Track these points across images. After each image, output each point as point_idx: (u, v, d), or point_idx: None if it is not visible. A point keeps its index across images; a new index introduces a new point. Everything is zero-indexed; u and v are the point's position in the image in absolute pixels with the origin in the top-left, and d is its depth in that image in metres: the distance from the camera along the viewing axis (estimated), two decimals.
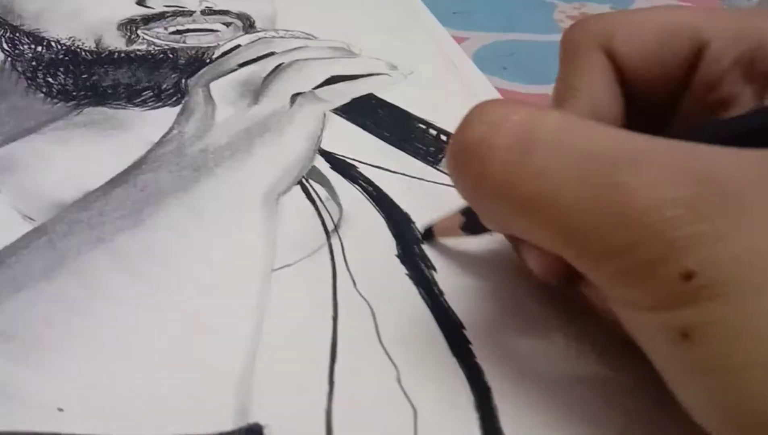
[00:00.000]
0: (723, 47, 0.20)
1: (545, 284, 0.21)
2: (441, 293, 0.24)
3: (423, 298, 0.23)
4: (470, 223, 0.23)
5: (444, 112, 0.33)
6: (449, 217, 0.25)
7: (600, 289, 0.17)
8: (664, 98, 0.22)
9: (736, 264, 0.14)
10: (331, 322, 0.22)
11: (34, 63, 0.32)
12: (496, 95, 0.36)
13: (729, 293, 0.14)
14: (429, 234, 0.26)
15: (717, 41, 0.20)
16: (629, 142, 0.16)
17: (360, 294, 0.23)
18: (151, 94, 0.31)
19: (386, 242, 0.26)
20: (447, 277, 0.24)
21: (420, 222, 0.26)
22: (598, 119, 0.19)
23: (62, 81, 0.31)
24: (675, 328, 0.15)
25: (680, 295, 0.15)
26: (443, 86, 0.35)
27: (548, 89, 0.38)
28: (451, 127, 0.31)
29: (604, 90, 0.21)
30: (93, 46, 0.33)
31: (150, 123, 0.29)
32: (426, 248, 0.25)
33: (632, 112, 0.22)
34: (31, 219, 0.24)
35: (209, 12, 0.37)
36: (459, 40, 0.42)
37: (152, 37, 0.34)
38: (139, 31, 0.34)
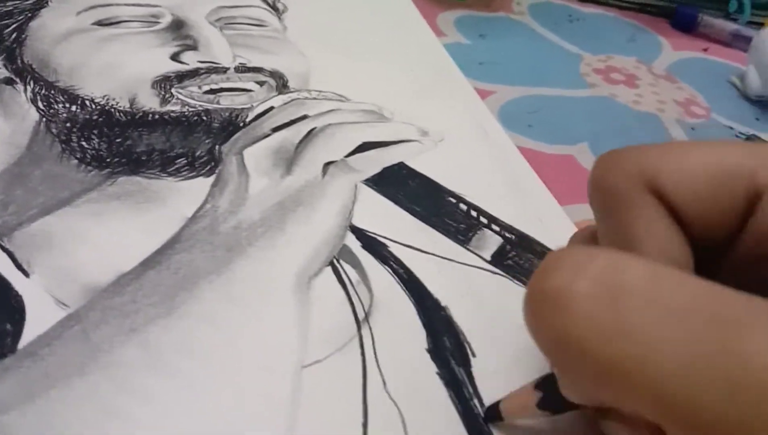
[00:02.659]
0: None
1: None
2: (472, 396, 0.24)
3: (453, 402, 0.23)
4: (549, 398, 0.21)
5: (474, 182, 0.33)
6: (521, 393, 0.22)
7: None
8: (716, 242, 0.20)
9: None
10: (361, 428, 0.22)
11: (68, 124, 0.32)
12: (526, 165, 0.35)
13: None
14: (493, 414, 0.23)
15: None
16: (736, 301, 0.15)
17: (390, 396, 0.23)
18: (185, 162, 0.31)
19: (417, 333, 0.26)
20: (484, 372, 0.24)
21: (450, 307, 0.26)
22: None
23: (96, 145, 0.31)
24: None
25: None
26: (473, 153, 0.35)
27: (571, 150, 0.39)
28: (480, 199, 0.32)
29: (672, 238, 0.20)
30: (127, 105, 0.33)
31: (184, 195, 0.29)
32: (460, 339, 0.25)
33: None
34: (64, 305, 0.24)
35: (243, 69, 0.37)
36: (485, 94, 0.42)
37: (186, 96, 0.34)
38: (173, 90, 0.35)
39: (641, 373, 0.14)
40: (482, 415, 0.23)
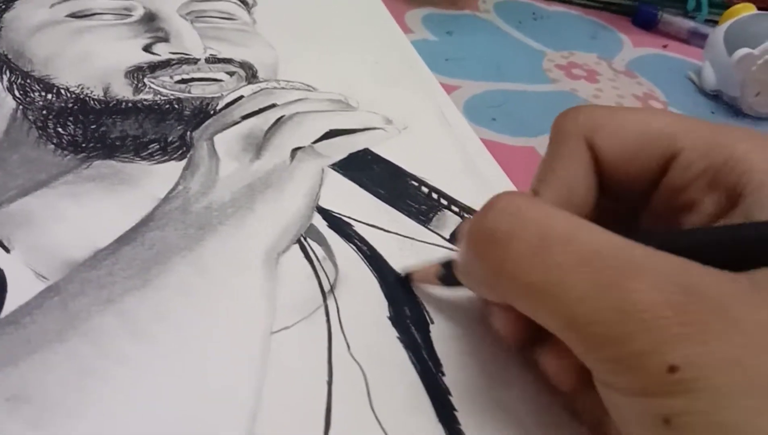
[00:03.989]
0: (693, 158, 0.22)
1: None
2: (430, 358, 0.25)
3: (412, 362, 0.25)
4: (447, 275, 0.26)
5: (435, 167, 0.34)
6: (428, 267, 0.27)
7: (594, 373, 0.19)
8: (635, 194, 0.24)
9: (713, 367, 0.17)
10: (326, 386, 0.24)
11: (44, 112, 0.33)
12: (485, 151, 0.37)
13: (705, 390, 0.17)
14: (407, 278, 0.28)
15: (689, 151, 0.22)
16: (633, 250, 0.19)
17: (353, 358, 0.25)
18: (158, 147, 0.32)
19: (379, 304, 0.27)
20: (440, 337, 0.26)
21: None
22: (571, 203, 0.23)
23: (71, 131, 0.32)
24: (658, 414, 0.17)
25: (664, 385, 0.17)
26: (435, 141, 0.37)
27: (534, 142, 0.40)
28: (441, 182, 0.33)
29: (581, 178, 0.24)
30: (101, 94, 0.34)
31: (156, 178, 0.31)
32: (420, 308, 0.27)
33: (606, 202, 0.24)
34: (44, 277, 0.25)
35: (213, 60, 0.38)
36: (451, 89, 0.43)
37: (158, 86, 0.36)
38: (145, 80, 0.36)
39: (557, 297, 0.19)
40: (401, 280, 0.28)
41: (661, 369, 0.17)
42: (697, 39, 0.57)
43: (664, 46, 0.56)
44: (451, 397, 0.24)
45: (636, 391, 0.18)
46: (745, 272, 0.18)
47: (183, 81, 0.36)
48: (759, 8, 0.51)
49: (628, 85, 0.49)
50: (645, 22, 0.58)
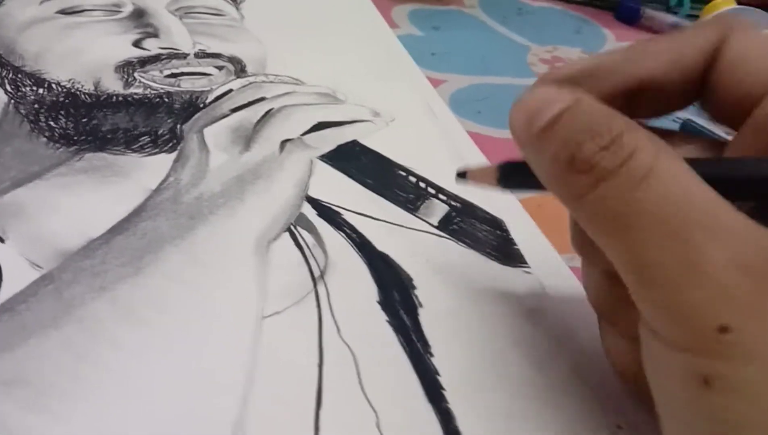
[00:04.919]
0: None
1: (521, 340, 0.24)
2: (419, 340, 0.26)
3: (402, 344, 0.26)
4: (506, 178, 0.24)
5: (422, 158, 0.35)
6: (487, 167, 0.25)
7: (643, 318, 0.19)
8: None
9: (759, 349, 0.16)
10: (317, 369, 0.24)
11: (36, 106, 0.33)
12: (471, 143, 0.38)
13: (755, 360, 0.16)
14: (463, 175, 0.26)
15: None
16: (717, 205, 0.18)
17: (344, 341, 0.25)
18: (149, 139, 0.33)
19: (368, 288, 0.28)
20: (429, 319, 0.27)
21: (400, 265, 0.29)
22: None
23: (63, 125, 0.33)
24: (698, 374, 0.17)
25: (712, 344, 0.17)
26: (422, 132, 0.38)
27: None
28: (428, 171, 0.34)
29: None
30: (92, 88, 0.35)
31: (148, 170, 0.31)
32: (408, 292, 0.28)
33: None
34: (38, 266, 0.26)
35: (202, 55, 0.39)
36: (437, 83, 0.44)
37: (148, 80, 0.36)
38: (135, 74, 0.36)
39: (630, 230, 0.18)
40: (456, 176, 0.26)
41: (711, 326, 0.17)
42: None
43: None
44: (439, 377, 0.25)
45: (681, 344, 0.17)
46: None
47: (173, 75, 0.37)
48: (738, 3, 0.52)
49: None
50: (628, 17, 0.59)
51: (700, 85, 0.23)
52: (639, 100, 0.23)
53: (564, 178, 0.20)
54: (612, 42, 0.56)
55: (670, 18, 0.59)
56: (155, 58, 0.38)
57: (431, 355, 0.25)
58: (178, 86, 0.36)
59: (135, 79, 0.36)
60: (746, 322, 0.16)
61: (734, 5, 0.50)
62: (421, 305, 0.27)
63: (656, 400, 0.19)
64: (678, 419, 0.19)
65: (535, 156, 0.21)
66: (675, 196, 0.18)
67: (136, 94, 0.35)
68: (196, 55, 0.39)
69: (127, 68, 0.36)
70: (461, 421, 0.23)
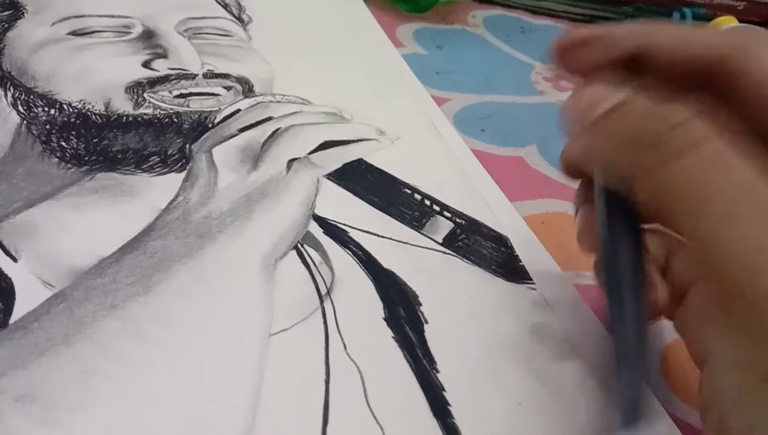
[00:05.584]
0: None
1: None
2: (424, 356, 0.26)
3: (407, 360, 0.26)
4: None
5: (427, 176, 0.36)
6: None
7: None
8: None
9: None
10: (323, 385, 0.25)
11: (48, 126, 0.34)
12: (475, 160, 0.38)
13: None
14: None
15: None
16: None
17: (350, 357, 0.26)
18: (158, 159, 0.33)
19: (374, 305, 0.28)
20: (434, 336, 0.27)
21: (406, 282, 0.29)
22: None
23: (74, 145, 0.33)
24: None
25: None
26: (427, 150, 0.38)
27: (521, 152, 0.42)
28: (433, 189, 0.34)
29: None
30: (102, 109, 0.36)
31: (157, 189, 0.32)
32: (414, 309, 0.28)
33: None
34: (50, 285, 0.26)
35: (211, 75, 0.39)
36: (441, 101, 0.45)
37: (158, 100, 0.37)
38: (145, 95, 0.37)
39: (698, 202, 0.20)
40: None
41: None
42: None
43: None
44: (445, 393, 0.25)
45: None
46: None
47: (182, 96, 0.38)
48: (740, 21, 0.52)
49: None
50: None
51: (709, 79, 0.23)
52: (644, 74, 0.24)
53: (631, 153, 0.21)
54: None
55: None
56: (164, 79, 0.38)
57: (437, 371, 0.26)
58: (187, 106, 0.37)
59: (144, 99, 0.37)
60: None
61: (735, 23, 0.51)
62: (426, 322, 0.28)
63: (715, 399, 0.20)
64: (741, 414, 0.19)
65: (597, 138, 0.23)
66: (744, 183, 0.19)
67: (145, 114, 0.36)
68: (205, 76, 0.39)
69: (136, 89, 0.37)
70: None
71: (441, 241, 0.32)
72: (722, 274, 0.19)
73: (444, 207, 0.34)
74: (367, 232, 0.32)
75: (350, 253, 0.30)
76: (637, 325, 0.23)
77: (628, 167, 0.22)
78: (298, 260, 0.30)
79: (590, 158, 0.24)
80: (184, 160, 0.34)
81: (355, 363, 0.26)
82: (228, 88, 0.39)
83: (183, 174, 0.33)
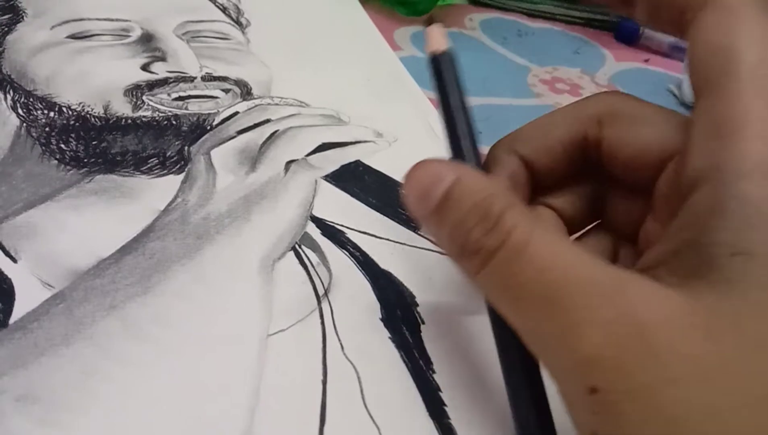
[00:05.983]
0: None
1: None
2: (421, 356, 0.26)
3: (404, 361, 0.26)
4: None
5: None
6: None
7: None
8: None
9: (630, 399, 0.18)
10: (321, 385, 0.25)
11: (47, 129, 0.34)
12: None
13: (622, 416, 0.18)
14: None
15: None
16: (590, 270, 0.19)
17: (347, 358, 0.26)
18: (157, 161, 0.33)
19: (372, 306, 0.28)
20: (431, 337, 0.27)
21: (403, 283, 0.30)
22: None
23: (74, 147, 0.34)
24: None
25: (585, 404, 0.18)
26: (424, 152, 0.38)
27: None
28: None
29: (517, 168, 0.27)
30: (101, 111, 0.36)
31: (156, 191, 0.32)
32: (411, 310, 0.28)
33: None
34: (50, 286, 0.27)
35: (209, 78, 0.40)
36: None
37: (156, 103, 0.37)
38: (144, 97, 0.37)
39: (520, 301, 0.20)
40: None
41: (583, 389, 0.18)
42: (677, 53, 0.58)
43: (646, 61, 0.58)
44: (441, 393, 0.25)
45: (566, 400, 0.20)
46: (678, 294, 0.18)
47: (180, 98, 0.38)
48: None
49: None
50: (627, 37, 0.60)
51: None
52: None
53: (459, 259, 0.22)
54: (611, 62, 0.57)
55: (668, 38, 0.59)
56: (163, 82, 0.38)
57: (433, 371, 0.26)
58: (186, 109, 0.37)
59: (143, 102, 0.37)
60: (612, 382, 0.18)
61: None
62: (423, 322, 0.28)
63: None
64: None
65: (434, 233, 0.23)
66: (550, 266, 0.19)
67: (144, 117, 0.36)
68: (203, 79, 0.40)
69: (135, 92, 0.37)
70: None
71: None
72: None
73: None
74: (365, 233, 0.32)
75: (348, 254, 0.31)
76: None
77: (463, 270, 0.22)
78: (296, 261, 0.30)
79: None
80: (182, 162, 0.34)
81: (352, 363, 0.26)
82: (226, 91, 0.39)
83: (181, 176, 0.33)
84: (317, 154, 0.35)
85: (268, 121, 0.37)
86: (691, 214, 0.20)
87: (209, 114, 0.37)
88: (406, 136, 0.39)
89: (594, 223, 0.28)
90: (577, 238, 0.28)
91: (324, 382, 0.25)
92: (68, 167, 0.33)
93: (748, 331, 0.17)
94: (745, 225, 0.18)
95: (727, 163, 0.19)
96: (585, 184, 0.27)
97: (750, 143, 0.19)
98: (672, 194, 0.22)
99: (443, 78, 0.27)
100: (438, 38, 0.28)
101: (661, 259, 0.19)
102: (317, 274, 0.29)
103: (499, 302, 0.21)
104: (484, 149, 0.42)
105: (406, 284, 0.30)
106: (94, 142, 0.34)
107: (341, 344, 0.26)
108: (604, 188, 0.27)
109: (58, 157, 0.33)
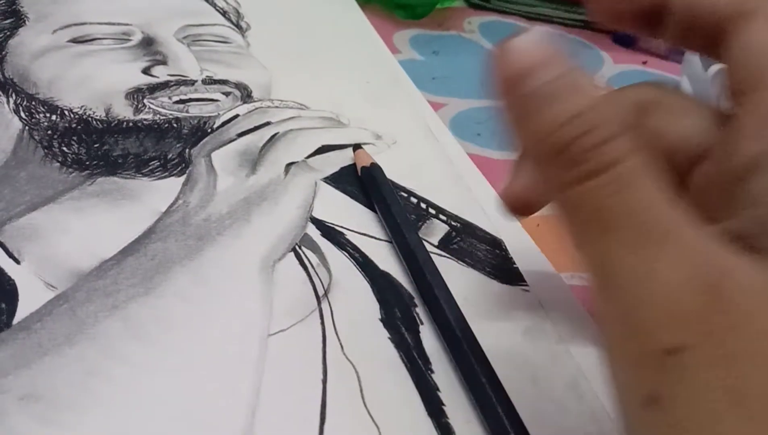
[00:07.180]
0: None
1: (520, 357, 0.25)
2: (419, 356, 0.27)
3: (403, 360, 0.27)
4: None
5: (423, 180, 0.36)
6: None
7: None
8: None
9: (705, 370, 0.16)
10: (320, 385, 0.25)
11: (49, 132, 0.35)
12: (471, 164, 0.39)
13: (700, 380, 0.16)
14: None
15: None
16: (680, 226, 0.18)
17: (347, 358, 0.26)
18: (158, 164, 0.34)
19: (371, 306, 0.29)
20: (430, 337, 0.28)
21: (401, 284, 0.30)
22: None
23: (76, 150, 0.34)
24: (645, 393, 0.17)
25: (658, 365, 0.17)
26: (423, 155, 0.39)
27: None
28: (429, 193, 0.35)
29: None
30: (103, 115, 0.36)
31: (157, 193, 0.32)
32: (410, 310, 0.29)
33: None
34: (53, 286, 0.27)
35: (210, 81, 0.40)
36: (438, 106, 0.45)
37: (157, 106, 0.37)
38: (145, 101, 0.37)
39: (594, 229, 0.18)
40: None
41: (659, 347, 0.17)
42: (675, 55, 0.58)
43: (644, 63, 0.58)
44: (439, 393, 0.26)
45: (631, 362, 0.18)
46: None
47: (181, 101, 0.38)
48: None
49: None
50: (625, 39, 0.60)
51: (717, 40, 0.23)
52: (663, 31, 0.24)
53: (549, 162, 0.19)
54: (609, 64, 0.57)
55: None
56: (164, 85, 0.39)
57: (432, 371, 0.26)
58: (187, 112, 0.37)
59: (145, 105, 0.37)
60: (693, 343, 0.17)
61: None
62: (422, 323, 0.28)
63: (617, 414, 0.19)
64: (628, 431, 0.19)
65: (523, 118, 0.19)
66: (643, 212, 0.18)
67: (145, 119, 0.36)
68: (204, 82, 0.40)
69: (137, 95, 0.38)
70: None
71: (436, 243, 0.32)
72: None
73: (439, 210, 0.34)
74: (364, 234, 0.32)
75: (347, 255, 0.31)
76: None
77: (547, 180, 0.20)
78: (296, 262, 0.30)
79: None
80: (183, 165, 0.34)
81: (351, 363, 0.26)
82: (227, 94, 0.40)
83: (183, 178, 0.33)
84: (317, 157, 0.36)
85: (268, 123, 0.37)
86: (757, 195, 0.19)
87: (210, 117, 0.37)
88: (405, 138, 0.39)
89: None
90: None
91: (324, 382, 0.25)
92: (70, 170, 0.33)
93: None
94: None
95: None
96: None
97: None
98: (712, 185, 0.22)
99: (377, 181, 0.34)
100: (365, 157, 0.35)
101: (738, 235, 0.19)
102: (317, 275, 0.30)
103: (580, 227, 0.19)
104: (484, 150, 0.43)
105: (405, 285, 0.30)
106: (95, 145, 0.34)
107: (341, 344, 0.27)
108: None
109: (60, 159, 0.33)
